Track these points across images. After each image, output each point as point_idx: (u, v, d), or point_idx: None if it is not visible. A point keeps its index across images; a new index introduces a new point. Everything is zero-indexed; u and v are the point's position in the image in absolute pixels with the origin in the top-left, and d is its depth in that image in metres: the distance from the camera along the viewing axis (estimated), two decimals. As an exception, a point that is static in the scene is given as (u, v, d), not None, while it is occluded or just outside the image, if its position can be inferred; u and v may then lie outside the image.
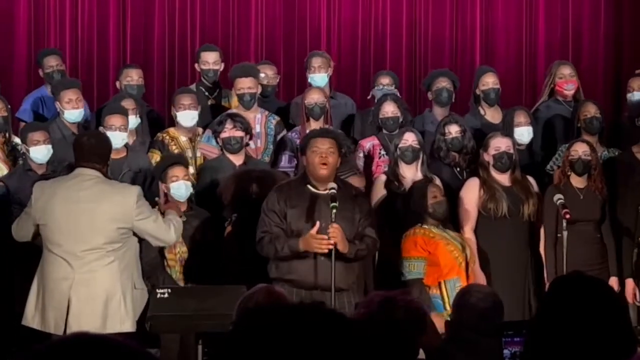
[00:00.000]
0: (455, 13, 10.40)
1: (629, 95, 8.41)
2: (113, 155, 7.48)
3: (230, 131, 7.61)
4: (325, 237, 6.22)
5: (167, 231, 6.38)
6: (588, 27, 10.48)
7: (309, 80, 8.56)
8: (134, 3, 10.11)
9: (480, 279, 7.06)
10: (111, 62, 10.05)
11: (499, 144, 7.41)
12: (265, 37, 10.22)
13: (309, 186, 6.46)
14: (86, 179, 6.28)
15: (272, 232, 6.40)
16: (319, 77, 8.52)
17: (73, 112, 7.88)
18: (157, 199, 6.88)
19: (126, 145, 7.69)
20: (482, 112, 8.36)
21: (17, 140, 7.86)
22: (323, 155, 6.41)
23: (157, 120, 8.61)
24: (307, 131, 7.92)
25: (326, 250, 6.21)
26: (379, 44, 10.35)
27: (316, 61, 8.59)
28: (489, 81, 8.35)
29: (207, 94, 8.60)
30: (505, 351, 4.68)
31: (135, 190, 6.36)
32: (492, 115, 8.29)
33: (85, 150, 6.36)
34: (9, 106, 7.98)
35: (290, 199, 6.45)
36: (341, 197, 6.40)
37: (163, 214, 6.64)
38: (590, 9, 10.48)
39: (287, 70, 9.94)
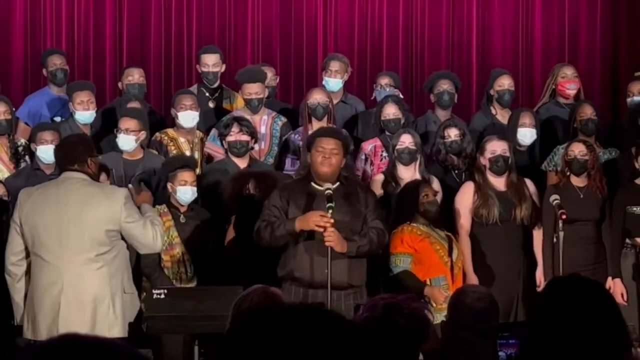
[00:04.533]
0: (452, 13, 10.40)
1: (628, 100, 8.43)
2: (129, 157, 7.54)
3: (236, 135, 7.63)
4: (326, 214, 6.20)
5: (155, 239, 6.29)
6: (585, 28, 10.48)
7: (324, 82, 8.56)
8: (130, 4, 10.10)
9: (474, 282, 7.06)
10: (107, 63, 10.05)
11: (494, 147, 7.42)
12: (261, 38, 10.22)
13: (312, 184, 6.48)
14: (73, 182, 6.25)
15: (269, 220, 6.42)
16: (333, 82, 8.53)
17: (84, 113, 7.91)
18: (130, 186, 6.79)
19: (142, 147, 7.69)
20: (493, 111, 8.42)
21: (20, 141, 7.87)
22: (326, 155, 6.44)
23: (159, 121, 8.61)
24: (310, 132, 7.93)
25: (327, 227, 6.17)
26: (376, 44, 10.35)
27: (334, 65, 8.57)
28: (505, 83, 8.44)
29: (207, 94, 8.60)
30: (501, 353, 4.68)
31: (123, 192, 6.32)
32: (503, 115, 8.34)
33: (64, 154, 6.35)
34: (13, 108, 7.98)
35: (293, 196, 6.47)
36: (347, 194, 6.46)
37: (139, 207, 6.55)
38: (587, 9, 10.48)
39: (284, 72, 9.93)
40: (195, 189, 7.14)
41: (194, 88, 8.66)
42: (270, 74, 8.80)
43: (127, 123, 7.58)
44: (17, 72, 9.91)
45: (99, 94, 9.56)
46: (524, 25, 10.44)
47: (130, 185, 6.83)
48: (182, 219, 7.11)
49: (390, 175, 7.53)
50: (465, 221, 7.34)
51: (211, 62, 8.60)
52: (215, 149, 7.99)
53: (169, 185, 7.13)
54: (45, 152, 7.41)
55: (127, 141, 7.56)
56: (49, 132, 7.51)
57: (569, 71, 8.54)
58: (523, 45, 10.43)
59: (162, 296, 6.03)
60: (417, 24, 10.36)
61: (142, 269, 6.80)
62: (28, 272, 6.31)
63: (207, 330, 5.84)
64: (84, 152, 6.34)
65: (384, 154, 7.88)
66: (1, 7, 9.96)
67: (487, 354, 4.55)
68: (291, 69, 10.11)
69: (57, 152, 6.50)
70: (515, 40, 10.44)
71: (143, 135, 7.65)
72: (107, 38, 10.07)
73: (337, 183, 6.48)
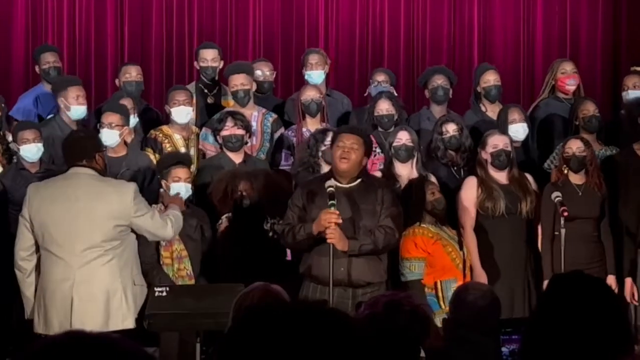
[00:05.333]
0: (453, 11, 10.41)
1: (624, 94, 8.41)
2: (112, 154, 7.52)
3: (231, 129, 7.62)
4: (331, 211, 6.24)
5: (164, 227, 6.37)
6: (586, 26, 10.48)
7: (306, 77, 8.55)
8: (131, 2, 10.10)
9: (481, 278, 7.06)
10: (109, 60, 10.06)
11: (496, 141, 7.41)
12: (263, 35, 10.22)
13: (332, 180, 6.50)
14: (82, 178, 6.26)
15: (293, 223, 6.48)
16: (315, 74, 8.52)
17: (79, 107, 7.88)
18: (161, 190, 6.90)
19: (126, 144, 7.68)
20: (483, 108, 8.39)
21: (11, 138, 7.84)
22: (346, 150, 6.48)
23: (155, 118, 8.60)
24: (304, 129, 7.96)
25: (334, 225, 6.22)
26: (377, 42, 10.35)
27: (313, 58, 8.59)
28: (491, 79, 8.38)
29: (206, 91, 8.60)
30: (504, 349, 4.68)
31: (132, 186, 6.35)
32: (494, 111, 8.29)
33: (72, 149, 6.36)
34: (3, 105, 7.96)
35: (313, 193, 6.52)
36: (366, 191, 6.50)
37: (166, 207, 6.65)
38: (588, 7, 10.48)
39: (284, 69, 9.93)
40: (189, 185, 7.13)
41: (191, 85, 8.65)
42: (267, 69, 8.79)
43: (110, 118, 7.53)
44: (18, 71, 9.91)
45: (101, 91, 9.58)
46: (525, 23, 10.44)
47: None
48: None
49: (388, 172, 7.53)
50: (469, 216, 7.32)
51: (210, 57, 8.60)
52: (207, 147, 8.00)
53: (163, 182, 7.12)
54: (29, 151, 7.36)
55: (111, 135, 7.49)
56: (30, 130, 7.42)
57: (568, 67, 8.51)
58: (524, 43, 10.43)
59: (164, 294, 6.04)
60: (418, 22, 10.37)
61: (141, 265, 6.80)
62: (38, 266, 6.33)
63: (208, 327, 5.85)
64: (92, 148, 6.36)
65: (378, 149, 7.88)
66: (3, 5, 9.96)
67: (490, 351, 4.55)
68: (292, 67, 10.10)
69: (65, 148, 6.49)
70: (516, 38, 10.44)
71: (126, 130, 7.61)
72: (109, 36, 10.08)
73: (358, 180, 6.52)
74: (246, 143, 7.74)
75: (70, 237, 6.19)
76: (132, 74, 8.43)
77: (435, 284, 6.92)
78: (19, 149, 7.40)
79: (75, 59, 9.90)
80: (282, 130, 8.21)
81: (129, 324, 6.20)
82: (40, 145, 7.35)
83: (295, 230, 6.42)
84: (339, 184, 6.46)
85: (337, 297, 6.27)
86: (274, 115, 8.28)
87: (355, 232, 6.40)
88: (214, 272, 7.01)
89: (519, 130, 7.92)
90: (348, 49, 10.18)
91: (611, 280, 7.24)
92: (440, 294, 6.91)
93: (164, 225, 6.36)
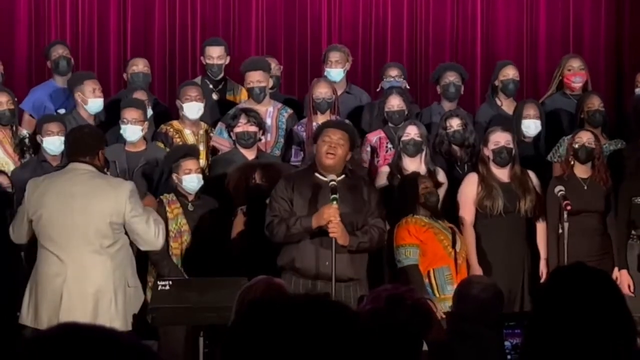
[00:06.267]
0: (456, 6, 10.39)
1: (637, 90, 8.39)
2: (132, 148, 7.56)
3: (244, 126, 7.63)
4: (334, 206, 6.19)
5: (157, 237, 6.34)
6: (589, 20, 10.46)
7: (325, 73, 8.54)
8: (134, -4, 10.10)
9: (478, 274, 7.06)
10: (112, 55, 10.05)
11: (498, 138, 7.42)
12: (265, 31, 10.20)
13: (316, 174, 6.48)
14: (80, 174, 6.27)
15: (282, 215, 6.42)
16: (335, 72, 8.52)
17: (97, 100, 7.94)
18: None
19: (145, 138, 7.70)
20: (499, 102, 8.42)
21: (24, 132, 7.86)
22: (332, 145, 6.44)
23: (164, 112, 8.60)
24: (314, 124, 7.95)
25: (336, 219, 6.18)
26: (380, 37, 10.33)
27: (334, 56, 8.58)
28: (510, 73, 8.47)
29: (211, 86, 8.60)
30: (506, 343, 4.68)
31: (129, 185, 6.35)
32: (509, 106, 8.34)
33: (77, 144, 6.36)
34: (15, 99, 7.98)
35: (297, 186, 6.48)
36: (351, 187, 6.48)
37: None
38: (590, 2, 10.46)
39: (287, 65, 9.91)
40: (200, 176, 7.15)
41: (197, 80, 8.66)
42: (273, 64, 8.79)
43: (132, 113, 7.58)
44: (21, 66, 9.90)
45: (104, 86, 9.55)
46: (529, 18, 10.42)
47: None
48: (190, 207, 7.12)
49: (396, 167, 7.53)
50: (468, 212, 7.34)
51: (215, 55, 8.60)
52: (221, 142, 7.99)
53: (174, 176, 7.13)
54: (52, 144, 7.43)
55: (134, 131, 7.57)
56: (55, 123, 7.52)
57: (575, 64, 8.52)
58: (527, 38, 10.41)
59: (167, 287, 6.04)
60: (421, 16, 10.35)
61: (150, 256, 6.81)
62: (34, 263, 6.33)
63: (211, 321, 5.85)
64: (97, 145, 6.37)
65: (389, 145, 7.88)
66: (5, 0, 9.95)
67: (492, 345, 4.55)
68: (295, 61, 10.10)
69: (69, 142, 6.50)
70: (519, 33, 10.42)
71: (146, 125, 7.66)
72: (112, 30, 10.07)
73: (342, 175, 6.49)
74: (259, 140, 7.74)
75: (66, 233, 6.19)
76: (139, 66, 8.48)
77: (428, 272, 6.91)
78: (42, 141, 7.45)
79: (78, 54, 9.88)
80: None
81: (117, 326, 6.11)
82: (63, 138, 7.38)
83: (289, 223, 6.35)
84: (323, 179, 6.43)
85: (320, 290, 6.18)
86: (290, 111, 8.27)
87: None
88: (223, 264, 6.99)
89: (530, 125, 7.95)
90: (351, 43, 10.14)
91: (617, 273, 7.25)
92: (433, 283, 6.89)
93: (156, 233, 6.32)
